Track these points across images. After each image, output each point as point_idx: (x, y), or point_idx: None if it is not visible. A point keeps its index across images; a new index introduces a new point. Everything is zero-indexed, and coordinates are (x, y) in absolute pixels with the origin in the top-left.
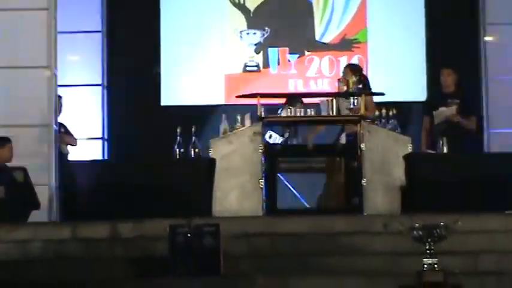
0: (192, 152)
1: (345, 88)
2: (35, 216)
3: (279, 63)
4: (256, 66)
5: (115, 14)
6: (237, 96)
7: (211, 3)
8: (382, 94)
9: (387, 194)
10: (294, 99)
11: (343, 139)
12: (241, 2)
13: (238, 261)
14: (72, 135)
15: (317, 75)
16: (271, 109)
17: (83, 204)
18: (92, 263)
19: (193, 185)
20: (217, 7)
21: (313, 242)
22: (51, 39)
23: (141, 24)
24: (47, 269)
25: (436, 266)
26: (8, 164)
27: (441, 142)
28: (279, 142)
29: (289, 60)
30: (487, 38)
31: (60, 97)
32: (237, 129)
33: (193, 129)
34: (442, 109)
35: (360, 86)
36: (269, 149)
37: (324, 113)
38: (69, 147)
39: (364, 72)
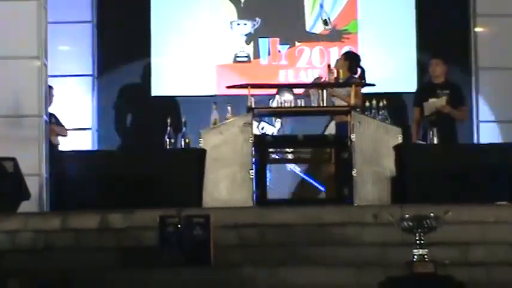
0: (183, 143)
1: (334, 77)
2: (25, 206)
3: (269, 54)
4: (246, 56)
5: (105, 4)
6: (228, 87)
7: None
8: (373, 85)
9: (377, 184)
10: (284, 89)
11: (332, 127)
12: None
13: (229, 251)
14: (62, 125)
15: (307, 66)
16: (262, 100)
17: (73, 195)
18: (82, 253)
19: (184, 176)
20: None
21: (303, 233)
22: (41, 29)
23: (132, 14)
24: (37, 259)
25: (426, 256)
26: None
27: (431, 133)
28: (271, 133)
29: (279, 51)
30: (477, 29)
31: (51, 87)
32: (227, 119)
33: (183, 119)
34: (432, 100)
35: (355, 75)
36: (259, 140)
37: (314, 104)
38: (59, 137)
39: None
